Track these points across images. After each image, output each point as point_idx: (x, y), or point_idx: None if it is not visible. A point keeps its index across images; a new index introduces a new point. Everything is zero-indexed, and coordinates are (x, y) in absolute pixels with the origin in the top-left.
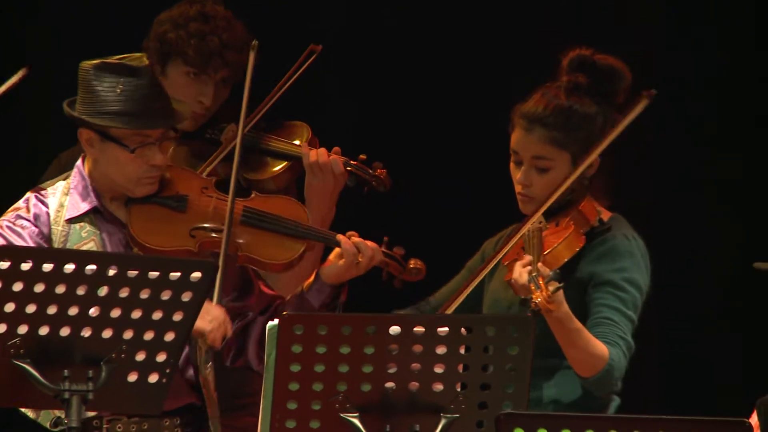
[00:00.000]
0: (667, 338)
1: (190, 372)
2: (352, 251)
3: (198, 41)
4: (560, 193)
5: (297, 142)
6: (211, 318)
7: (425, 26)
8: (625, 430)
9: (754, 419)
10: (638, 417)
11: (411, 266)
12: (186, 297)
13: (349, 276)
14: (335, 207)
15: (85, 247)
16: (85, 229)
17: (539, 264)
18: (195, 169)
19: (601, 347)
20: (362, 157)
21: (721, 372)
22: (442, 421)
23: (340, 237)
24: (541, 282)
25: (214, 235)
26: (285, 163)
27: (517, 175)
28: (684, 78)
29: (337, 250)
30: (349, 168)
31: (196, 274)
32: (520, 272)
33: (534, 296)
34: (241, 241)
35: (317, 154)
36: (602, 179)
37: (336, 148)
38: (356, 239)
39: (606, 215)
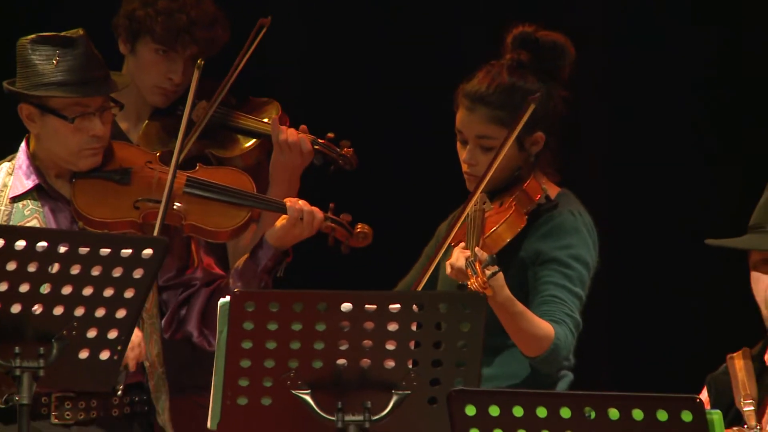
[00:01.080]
0: (619, 314)
1: None
2: (296, 209)
3: (166, 18)
4: (493, 170)
5: (266, 120)
6: None
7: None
8: (576, 407)
9: (704, 395)
10: (590, 393)
11: (358, 231)
12: (137, 274)
13: (292, 237)
14: (299, 182)
15: (28, 225)
16: (28, 207)
17: (477, 248)
18: (167, 145)
19: (546, 327)
20: (330, 135)
21: (673, 348)
22: (394, 398)
23: (285, 200)
24: (477, 267)
25: (153, 205)
26: (254, 141)
27: (462, 154)
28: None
29: (283, 216)
30: (316, 147)
31: (148, 251)
32: (458, 257)
33: (470, 282)
34: (185, 210)
35: (286, 133)
36: (549, 156)
37: (303, 126)
38: (301, 202)
39: (553, 191)
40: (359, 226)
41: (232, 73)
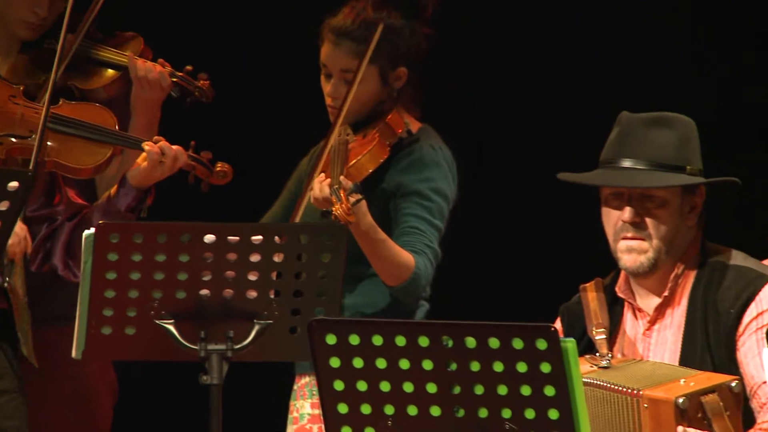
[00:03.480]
0: (475, 246)
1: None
2: (155, 152)
3: None
4: (352, 97)
5: (128, 53)
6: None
7: None
8: (434, 336)
9: (558, 324)
10: (447, 322)
11: (218, 169)
12: (3, 206)
13: (153, 177)
14: (159, 114)
15: None
16: None
17: (341, 177)
18: (35, 78)
19: (406, 256)
20: (188, 68)
21: (528, 279)
22: (256, 327)
23: (146, 142)
24: (342, 194)
25: (17, 141)
26: (115, 73)
27: (327, 87)
28: None
29: (143, 154)
30: (174, 79)
31: (13, 184)
32: (321, 186)
33: (334, 208)
34: (48, 147)
35: (144, 67)
36: (410, 91)
37: (161, 60)
38: (162, 143)
39: (415, 126)
40: (219, 164)
41: (93, 7)
